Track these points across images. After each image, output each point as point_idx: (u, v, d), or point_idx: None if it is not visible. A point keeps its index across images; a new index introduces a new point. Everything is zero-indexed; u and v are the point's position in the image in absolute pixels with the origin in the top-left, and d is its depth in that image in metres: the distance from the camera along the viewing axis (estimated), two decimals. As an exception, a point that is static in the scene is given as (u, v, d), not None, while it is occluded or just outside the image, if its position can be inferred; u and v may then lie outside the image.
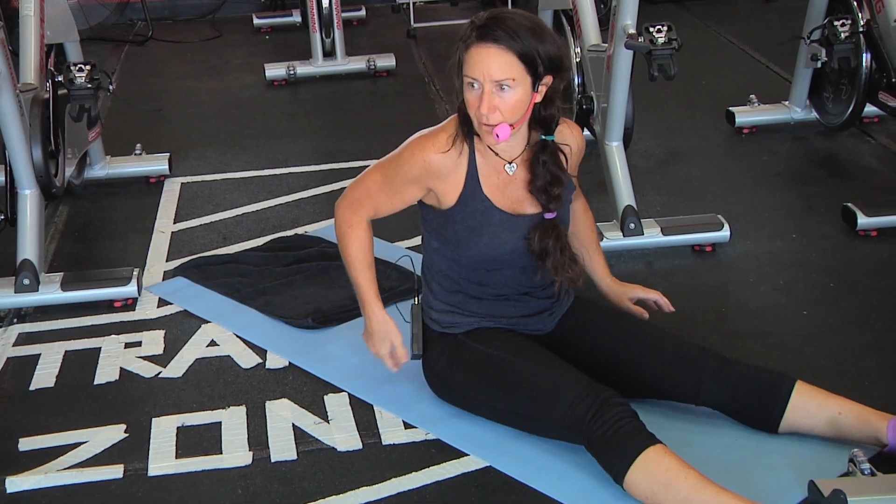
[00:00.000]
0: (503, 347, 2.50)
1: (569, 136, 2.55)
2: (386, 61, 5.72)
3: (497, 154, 2.48)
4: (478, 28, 2.33)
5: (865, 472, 2.29)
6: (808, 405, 2.45)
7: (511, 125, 2.36)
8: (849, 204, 3.64)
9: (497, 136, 2.36)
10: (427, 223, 2.59)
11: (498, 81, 2.32)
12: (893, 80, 3.81)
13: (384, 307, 2.62)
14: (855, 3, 4.04)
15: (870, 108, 4.18)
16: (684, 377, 2.51)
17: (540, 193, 2.48)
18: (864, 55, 3.97)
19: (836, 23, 4.03)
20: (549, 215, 2.50)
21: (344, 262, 2.64)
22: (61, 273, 3.38)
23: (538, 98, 2.40)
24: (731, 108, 4.64)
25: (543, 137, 2.48)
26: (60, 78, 3.64)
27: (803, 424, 2.46)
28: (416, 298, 2.68)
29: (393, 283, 3.18)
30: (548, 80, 2.39)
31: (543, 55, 2.34)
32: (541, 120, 2.47)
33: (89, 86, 3.62)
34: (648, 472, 2.19)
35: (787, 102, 4.60)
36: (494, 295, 2.56)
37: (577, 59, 3.97)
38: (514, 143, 2.46)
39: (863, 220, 3.57)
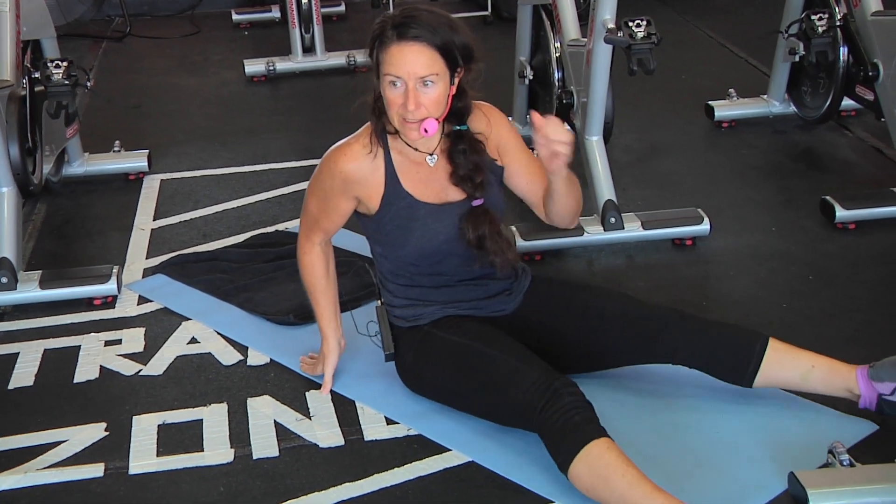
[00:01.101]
0: (465, 335, 2.51)
1: (481, 122, 2.54)
2: (366, 57, 5.68)
3: (416, 149, 2.50)
4: (396, 26, 2.34)
5: (844, 464, 2.31)
6: (783, 360, 2.50)
7: (436, 119, 2.39)
8: (827, 197, 3.66)
9: (425, 130, 2.38)
10: (366, 230, 2.64)
11: (422, 78, 2.34)
12: (870, 73, 3.83)
13: (339, 327, 2.77)
14: (832, -2, 4.07)
15: (847, 102, 4.21)
16: (658, 341, 2.53)
17: (464, 182, 2.50)
18: (842, 49, 4.00)
19: (813, 17, 4.05)
20: (476, 202, 2.52)
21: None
22: (40, 271, 3.36)
23: (454, 90, 2.43)
24: (710, 103, 4.65)
25: (457, 128, 2.50)
26: (37, 74, 3.62)
27: (777, 378, 2.52)
28: (379, 300, 2.69)
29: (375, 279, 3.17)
30: (461, 71, 2.42)
31: (460, 47, 2.37)
32: (455, 111, 2.49)
33: (67, 82, 3.60)
34: (590, 465, 2.19)
35: (765, 96, 4.62)
36: (451, 282, 2.58)
37: (557, 54, 3.97)
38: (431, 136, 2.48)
39: (841, 213, 3.59)
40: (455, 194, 2.53)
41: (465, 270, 2.58)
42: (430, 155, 2.52)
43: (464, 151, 2.49)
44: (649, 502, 2.12)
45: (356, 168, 2.50)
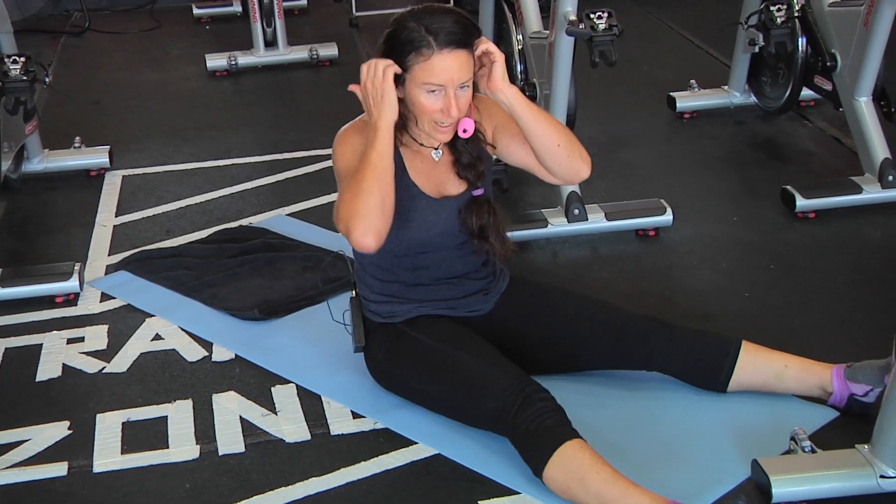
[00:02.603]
0: (439, 338, 2.50)
1: (474, 112, 2.50)
2: (328, 51, 5.69)
3: (422, 143, 2.49)
4: (436, 34, 2.28)
5: (806, 450, 2.33)
6: (756, 362, 2.53)
7: (469, 117, 2.39)
8: (788, 187, 3.69)
9: (465, 130, 2.38)
10: None
11: (462, 83, 2.32)
12: (828, 63, 3.87)
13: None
14: (790, -12, 4.10)
15: (806, 92, 4.24)
16: (635, 349, 2.56)
17: (468, 171, 2.50)
18: (800, 40, 4.03)
19: (772, 8, 4.08)
20: (477, 192, 2.53)
21: (365, 190, 2.31)
22: (0, 269, 3.32)
23: None
24: (671, 94, 4.68)
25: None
26: (-6, 71, 3.58)
27: (752, 382, 2.54)
28: (354, 290, 2.67)
29: (341, 273, 3.17)
30: None
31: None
32: None
33: (24, 78, 3.56)
34: (564, 466, 2.20)
35: (726, 87, 4.65)
36: (429, 280, 2.57)
37: (520, 47, 3.97)
38: None
39: (801, 203, 3.63)
40: (453, 188, 2.53)
41: (447, 267, 2.57)
42: (436, 149, 2.50)
43: (467, 141, 2.48)
44: (626, 498, 2.14)
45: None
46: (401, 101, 2.39)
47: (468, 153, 2.50)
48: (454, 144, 2.50)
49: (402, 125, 2.46)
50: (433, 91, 2.32)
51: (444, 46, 2.28)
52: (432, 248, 2.54)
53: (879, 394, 2.44)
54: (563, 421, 2.27)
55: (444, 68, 2.29)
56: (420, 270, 2.56)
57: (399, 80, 2.36)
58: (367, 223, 2.31)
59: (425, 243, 2.53)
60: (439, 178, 2.52)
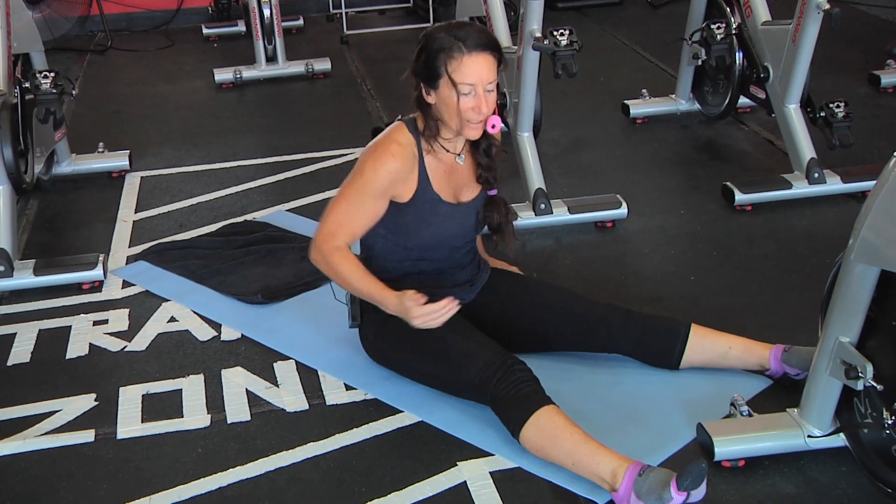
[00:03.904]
0: None
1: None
2: (322, 65, 5.66)
3: (447, 150, 2.47)
4: (464, 39, 2.29)
5: (744, 414, 2.34)
6: (703, 344, 2.54)
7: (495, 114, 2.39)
8: (727, 183, 3.70)
9: (493, 126, 2.37)
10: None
11: (489, 83, 2.32)
12: (762, 75, 3.88)
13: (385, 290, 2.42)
14: (728, 9, 4.10)
15: (743, 100, 4.25)
16: (597, 333, 2.56)
17: (487, 172, 2.50)
18: (738, 54, 4.04)
19: (712, 26, 4.09)
20: (492, 192, 2.53)
21: (341, 284, 2.44)
22: (33, 260, 3.30)
23: None
24: (626, 102, 4.67)
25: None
26: (27, 84, 3.54)
27: (700, 360, 2.55)
28: None
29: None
30: None
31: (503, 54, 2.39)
32: None
33: (54, 91, 3.54)
34: (540, 428, 2.21)
35: (673, 96, 4.66)
36: (427, 270, 2.56)
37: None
38: (459, 138, 2.46)
39: (739, 197, 3.64)
40: (468, 193, 2.52)
41: (446, 260, 2.56)
42: (459, 155, 2.48)
43: (489, 146, 2.48)
44: (595, 457, 2.14)
45: (402, 166, 2.39)
46: (431, 107, 2.38)
47: (486, 157, 2.49)
48: (476, 150, 2.49)
49: (433, 134, 2.42)
50: (466, 92, 2.31)
51: (473, 49, 2.29)
52: (441, 247, 2.53)
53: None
54: (538, 389, 2.27)
55: (476, 68, 2.30)
56: (422, 262, 2.55)
57: (432, 86, 2.34)
58: (323, 270, 2.44)
59: (439, 243, 2.52)
60: (457, 184, 2.51)
